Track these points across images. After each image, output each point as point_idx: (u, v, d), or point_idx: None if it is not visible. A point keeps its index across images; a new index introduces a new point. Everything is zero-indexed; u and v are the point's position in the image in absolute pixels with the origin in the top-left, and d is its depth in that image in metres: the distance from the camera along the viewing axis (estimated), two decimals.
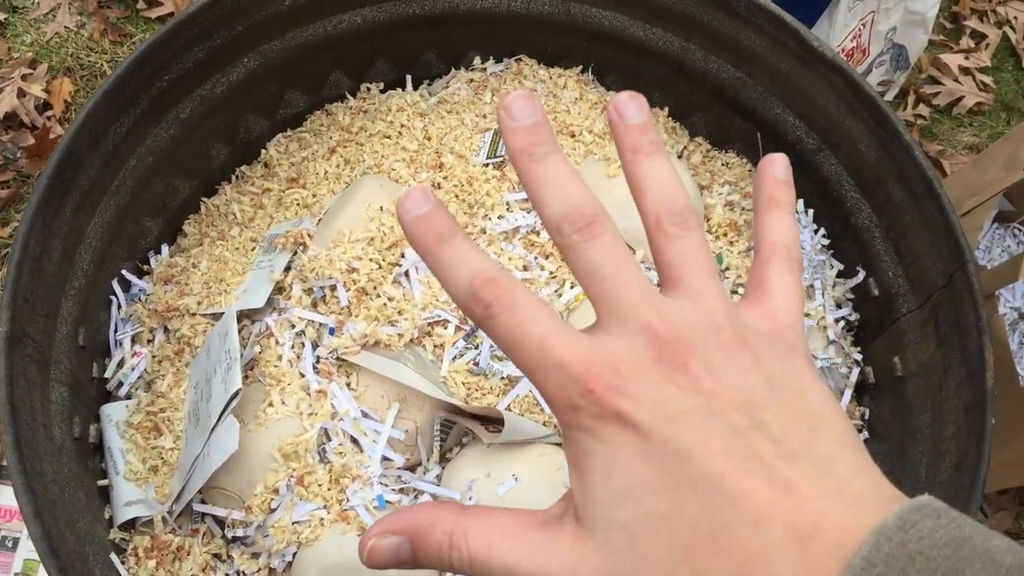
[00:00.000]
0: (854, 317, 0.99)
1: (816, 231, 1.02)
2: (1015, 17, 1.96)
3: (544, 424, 0.84)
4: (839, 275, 1.01)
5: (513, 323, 0.30)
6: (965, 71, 1.87)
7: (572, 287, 0.90)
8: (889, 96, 1.72)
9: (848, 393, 0.94)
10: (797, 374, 0.30)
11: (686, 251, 0.32)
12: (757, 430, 0.28)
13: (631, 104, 0.34)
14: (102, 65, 1.59)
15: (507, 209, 0.93)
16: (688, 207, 0.33)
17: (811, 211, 1.03)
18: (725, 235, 0.96)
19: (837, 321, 0.96)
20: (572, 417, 0.29)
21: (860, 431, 0.94)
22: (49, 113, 1.53)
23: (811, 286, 0.96)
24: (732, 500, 0.26)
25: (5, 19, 1.60)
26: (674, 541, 0.27)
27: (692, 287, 0.31)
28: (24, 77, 1.53)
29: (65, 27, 1.60)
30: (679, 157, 1.06)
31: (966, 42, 1.92)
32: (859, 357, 0.97)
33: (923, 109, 1.82)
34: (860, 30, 1.44)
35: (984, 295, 0.81)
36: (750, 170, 1.05)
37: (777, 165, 0.37)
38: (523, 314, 0.30)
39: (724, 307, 0.31)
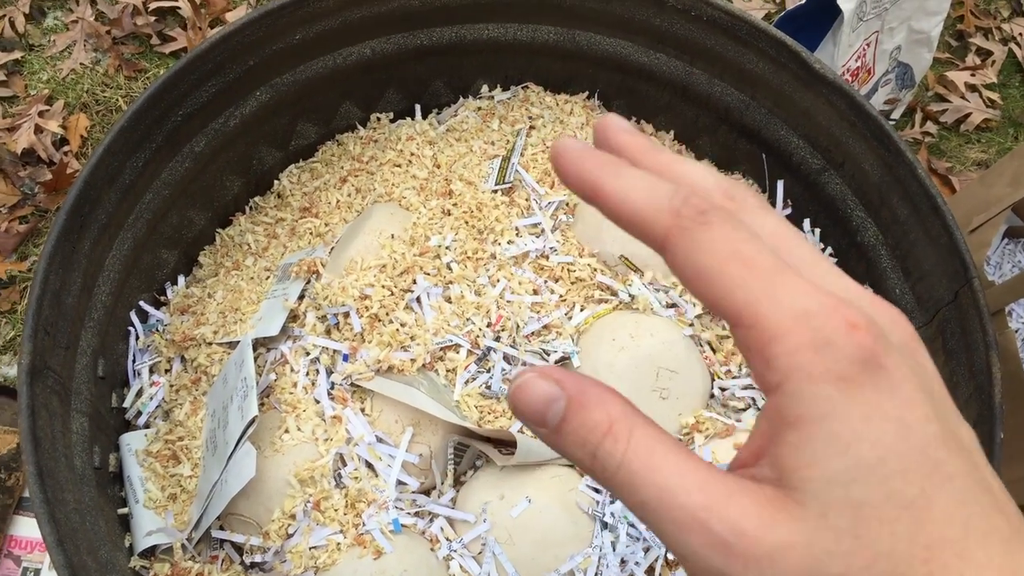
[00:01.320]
0: None
1: (823, 249, 1.03)
2: (1020, 34, 1.97)
3: None
4: None
5: (737, 236, 0.24)
6: (972, 88, 1.88)
7: (582, 310, 0.91)
8: (896, 114, 1.73)
9: None
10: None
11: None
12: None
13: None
14: (117, 100, 1.62)
15: (516, 234, 0.94)
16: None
17: (818, 230, 1.03)
18: None
19: None
20: (814, 359, 0.23)
21: None
22: (66, 148, 1.56)
23: None
24: (996, 503, 0.23)
25: (22, 57, 1.63)
26: (916, 535, 0.23)
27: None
28: (41, 114, 1.56)
29: (81, 64, 1.63)
30: None
31: (972, 59, 1.93)
32: None
33: (930, 127, 1.83)
34: (865, 50, 1.45)
35: (994, 311, 0.82)
36: (756, 191, 1.06)
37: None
38: (746, 232, 0.25)
39: None
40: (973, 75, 1.89)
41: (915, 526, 0.23)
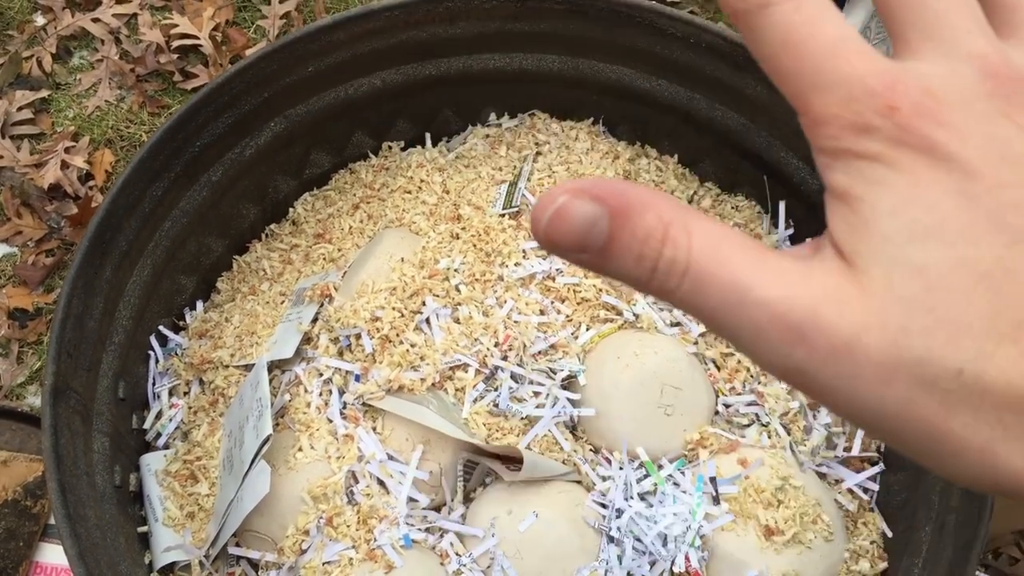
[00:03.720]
0: None
1: None
2: None
3: (563, 463, 0.87)
4: None
5: (797, 18, 0.22)
6: None
7: (588, 329, 0.93)
8: None
9: None
10: None
11: None
12: None
13: None
14: (141, 135, 1.66)
15: (523, 256, 0.97)
16: None
17: None
18: None
19: None
20: (854, 141, 0.22)
21: (877, 463, 0.95)
22: (91, 183, 1.60)
23: None
24: None
25: (49, 96, 1.68)
26: (999, 310, 0.20)
27: None
28: (67, 150, 1.61)
29: (106, 101, 1.68)
30: (690, 202, 1.09)
31: None
32: None
33: None
34: None
35: None
36: (759, 212, 1.08)
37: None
38: (812, 10, 0.22)
39: None
40: None
41: (997, 300, 0.20)
